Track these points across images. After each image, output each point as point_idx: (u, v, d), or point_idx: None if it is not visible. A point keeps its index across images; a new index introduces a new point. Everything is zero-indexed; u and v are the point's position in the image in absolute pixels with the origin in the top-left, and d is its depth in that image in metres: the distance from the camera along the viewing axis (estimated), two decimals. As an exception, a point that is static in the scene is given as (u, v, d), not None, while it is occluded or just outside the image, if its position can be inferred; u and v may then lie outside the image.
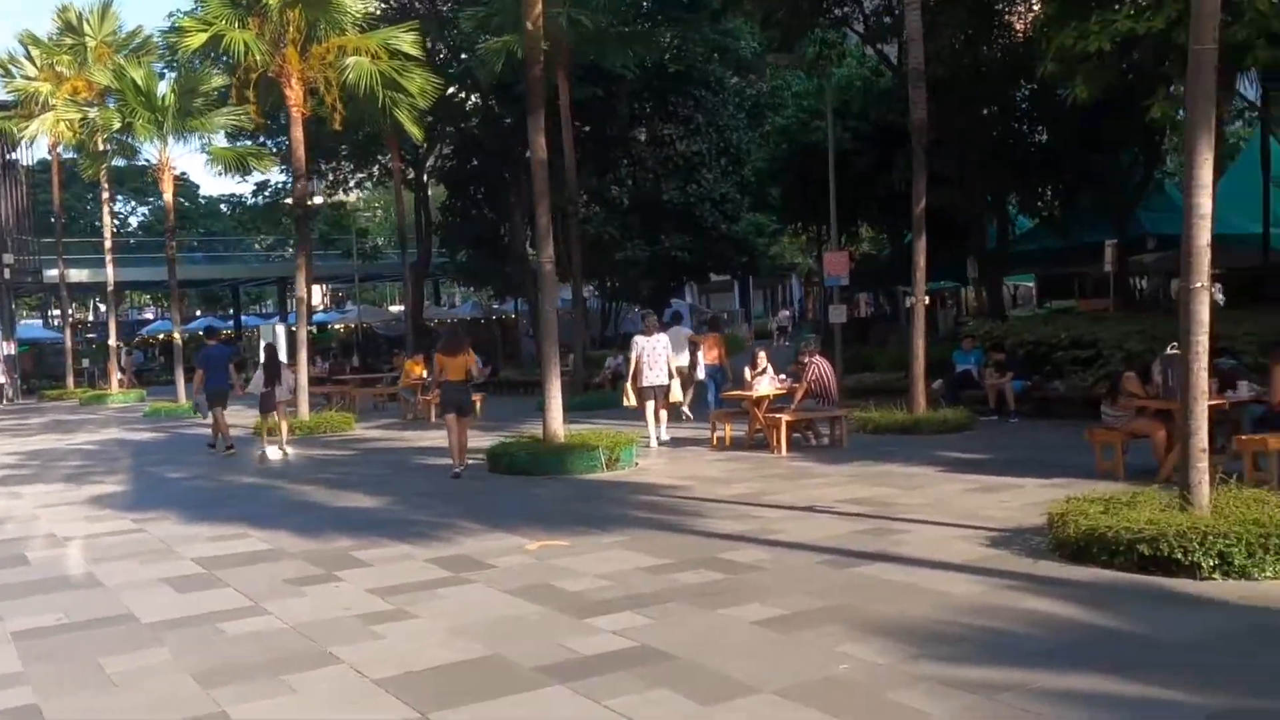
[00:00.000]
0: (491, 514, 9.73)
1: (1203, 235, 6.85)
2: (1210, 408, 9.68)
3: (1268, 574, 6.24)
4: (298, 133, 19.31)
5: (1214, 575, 6.27)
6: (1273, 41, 13.47)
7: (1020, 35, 20.33)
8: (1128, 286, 24.59)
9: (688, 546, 7.93)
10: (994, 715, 4.43)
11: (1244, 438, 9.40)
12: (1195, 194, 6.83)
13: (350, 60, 18.52)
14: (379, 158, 35.55)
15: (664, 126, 32.06)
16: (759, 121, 32.04)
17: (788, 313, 51.71)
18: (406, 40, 19.16)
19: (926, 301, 15.82)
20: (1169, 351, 9.23)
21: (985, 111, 21.17)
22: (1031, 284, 35.59)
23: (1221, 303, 17.34)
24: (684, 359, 17.91)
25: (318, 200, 44.56)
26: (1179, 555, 6.33)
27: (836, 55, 23.31)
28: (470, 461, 12.96)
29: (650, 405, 14.65)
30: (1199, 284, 6.84)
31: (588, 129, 31.30)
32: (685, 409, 17.05)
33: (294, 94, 18.79)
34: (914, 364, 15.12)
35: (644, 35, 25.76)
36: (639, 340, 14.97)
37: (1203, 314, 6.86)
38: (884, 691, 4.69)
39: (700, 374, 18.31)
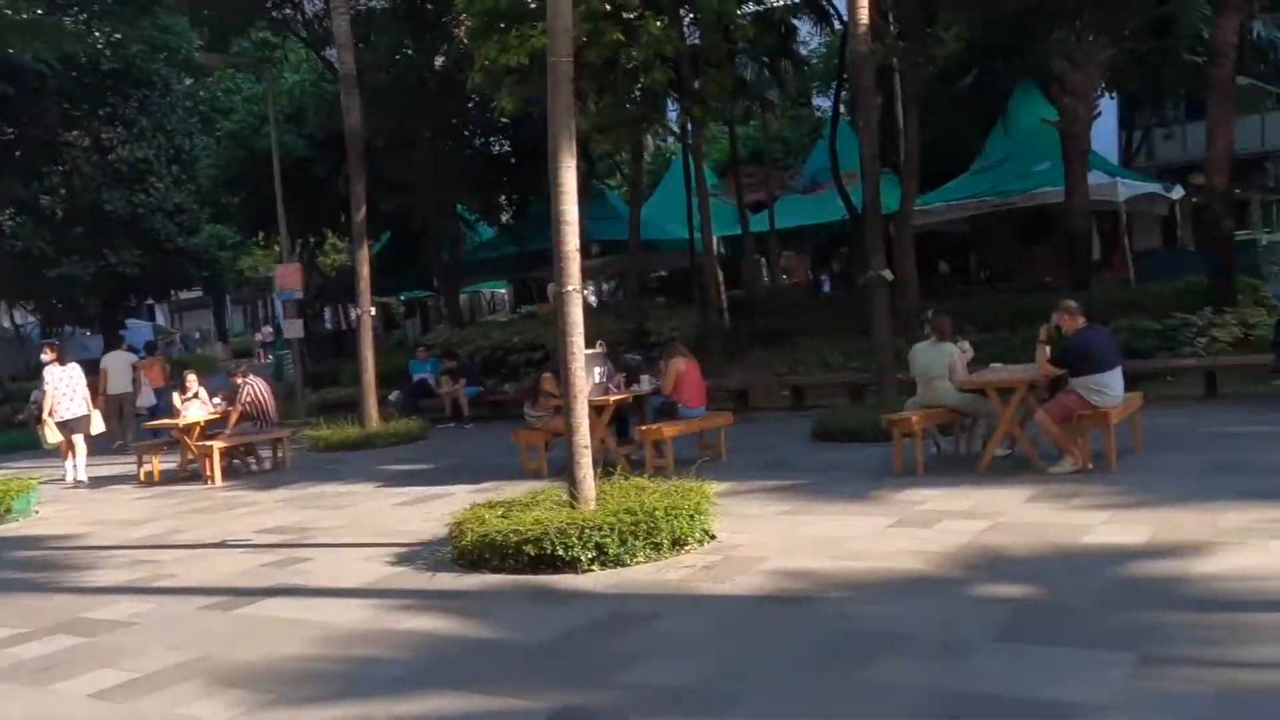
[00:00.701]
0: None
1: (571, 240, 7.08)
2: (616, 401, 10.39)
3: (638, 559, 6.59)
4: None
5: (593, 567, 6.50)
6: (668, 64, 14.86)
7: (463, 46, 20.76)
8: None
9: (53, 609, 6.83)
10: (326, 762, 4.09)
11: (644, 428, 10.11)
12: (562, 200, 7.04)
13: None
14: None
15: (104, 130, 28.87)
16: (213, 126, 29.97)
17: (270, 329, 49.33)
18: None
19: (373, 312, 15.57)
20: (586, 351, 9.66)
21: (437, 120, 21.35)
22: (504, 290, 36.94)
23: (594, 304, 18.95)
24: (127, 386, 16.74)
25: None
26: (561, 551, 6.48)
27: (281, 58, 22.32)
28: None
29: (65, 442, 13.16)
30: (571, 287, 7.07)
31: (10, 131, 27.38)
32: (126, 440, 15.68)
33: None
34: (364, 376, 14.77)
35: (53, 26, 22.77)
36: (52, 370, 13.37)
37: (576, 315, 7.10)
38: (206, 758, 4.18)
39: (146, 401, 17.15)
